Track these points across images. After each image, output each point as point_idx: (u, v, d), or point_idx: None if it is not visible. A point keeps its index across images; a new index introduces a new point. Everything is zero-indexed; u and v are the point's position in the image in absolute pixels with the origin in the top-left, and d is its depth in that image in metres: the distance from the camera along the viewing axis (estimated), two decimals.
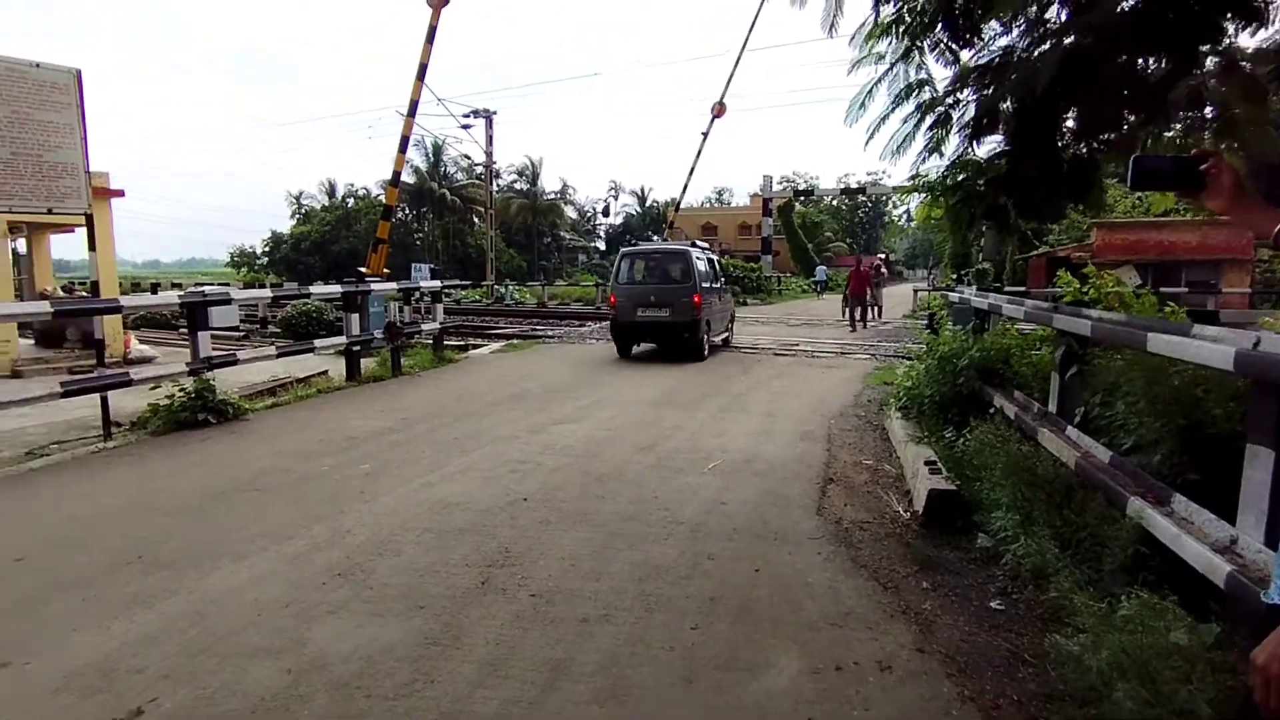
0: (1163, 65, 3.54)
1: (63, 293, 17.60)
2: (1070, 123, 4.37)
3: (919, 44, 4.38)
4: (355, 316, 9.15)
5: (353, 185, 58.68)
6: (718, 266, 13.69)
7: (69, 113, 6.25)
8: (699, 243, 13.31)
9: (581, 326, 18.24)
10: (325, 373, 10.51)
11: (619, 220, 72.70)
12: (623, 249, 13.48)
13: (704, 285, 11.50)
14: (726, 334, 13.50)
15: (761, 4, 26.93)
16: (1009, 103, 4.26)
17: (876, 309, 20.42)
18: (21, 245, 16.45)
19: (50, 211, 6.33)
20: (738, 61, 27.94)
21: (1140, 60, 3.57)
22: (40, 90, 6.06)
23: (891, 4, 4.29)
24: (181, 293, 7.50)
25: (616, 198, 72.02)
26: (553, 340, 14.74)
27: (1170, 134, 4.07)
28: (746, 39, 27.84)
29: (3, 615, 3.01)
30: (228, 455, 5.58)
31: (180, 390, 6.52)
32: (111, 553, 3.65)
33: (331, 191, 57.39)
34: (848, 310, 18.15)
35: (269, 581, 3.33)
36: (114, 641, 2.80)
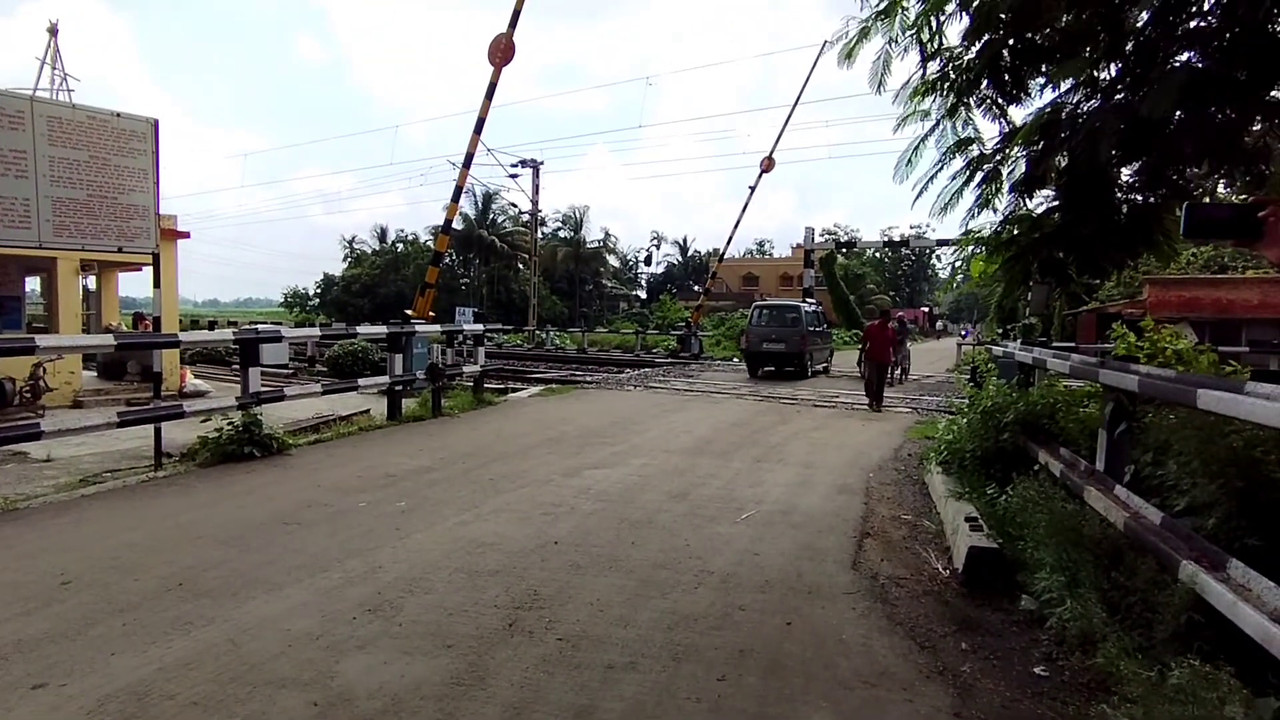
0: (1228, 117, 3.51)
1: (131, 323, 18.42)
2: (1127, 175, 4.31)
3: (965, 100, 4.40)
4: (399, 357, 9.37)
5: (403, 230, 60.65)
6: (820, 316, 19.37)
7: (144, 158, 6.65)
8: (808, 300, 19.96)
9: (620, 373, 18.32)
10: (367, 411, 10.74)
11: (660, 269, 73.55)
12: (755, 303, 20.73)
13: (809, 328, 17.16)
14: (826, 364, 19.09)
15: (812, 69, 27.45)
16: (1062, 158, 4.24)
17: (901, 371, 17.77)
18: (91, 282, 17.33)
19: (121, 250, 6.70)
20: (787, 120, 28.13)
21: (1203, 113, 3.53)
22: (120, 138, 6.48)
23: (938, 61, 4.34)
24: (236, 329, 7.80)
25: (659, 247, 73.05)
26: (591, 386, 14.83)
27: (1238, 184, 4.00)
28: (798, 98, 28.03)
29: (46, 637, 3.10)
30: (270, 488, 5.70)
31: (229, 423, 6.72)
32: (155, 579, 3.74)
33: (382, 236, 59.41)
34: (864, 381, 12.76)
35: (302, 613, 3.37)
36: (150, 666, 2.85)
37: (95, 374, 15.49)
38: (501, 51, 17.94)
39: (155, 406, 6.64)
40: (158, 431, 6.72)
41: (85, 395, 13.27)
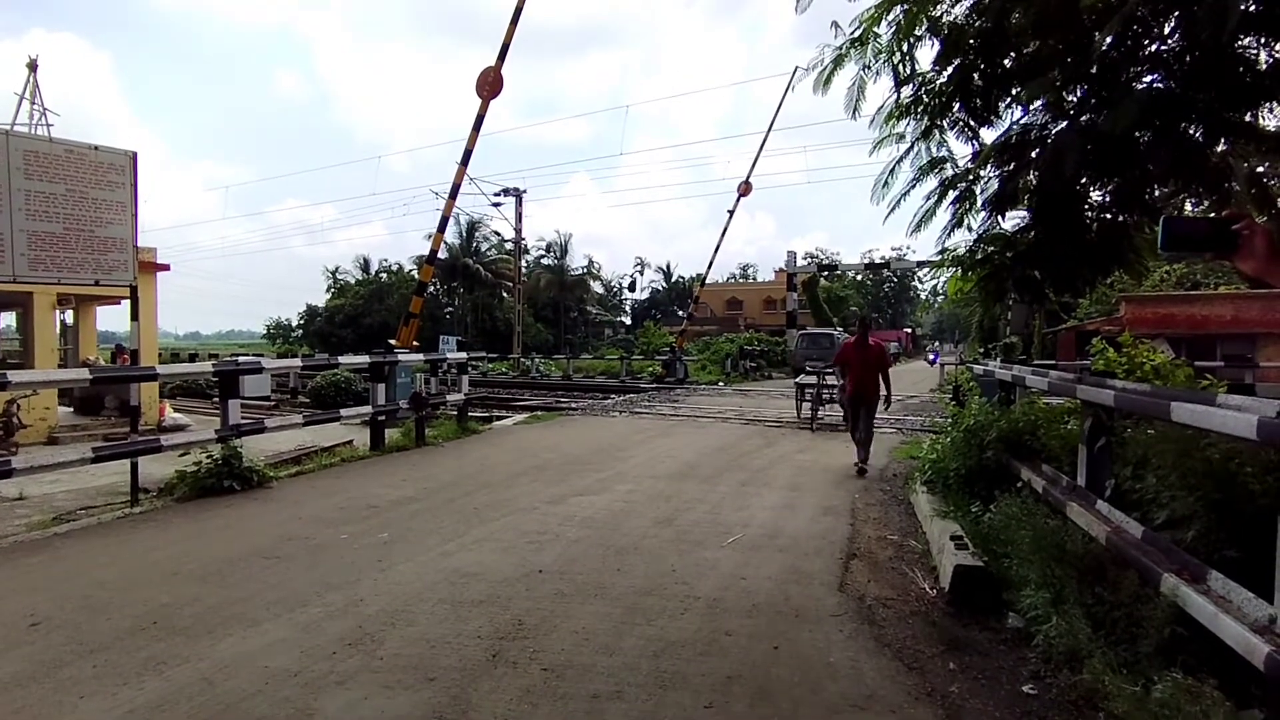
0: (1193, 137, 3.60)
1: (109, 357, 18.16)
2: (1097, 195, 4.39)
3: (939, 123, 4.47)
4: (381, 387, 9.29)
5: (386, 260, 60.38)
6: None
7: (122, 191, 6.62)
8: (839, 329, 27.13)
9: (605, 399, 18.27)
10: (350, 442, 10.62)
11: (644, 295, 73.77)
12: (800, 332, 29.39)
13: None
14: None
15: (783, 97, 28.08)
16: (1031, 177, 4.32)
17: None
18: (69, 316, 17.12)
19: (98, 283, 6.63)
20: (761, 147, 28.84)
21: (1169, 134, 3.61)
22: (98, 171, 6.45)
23: (911, 86, 4.42)
24: (215, 361, 7.72)
25: (642, 273, 73.35)
26: (576, 412, 14.77)
27: (1204, 203, 4.08)
28: (770, 127, 28.49)
29: (13, 681, 3.00)
30: (249, 522, 5.61)
31: (208, 457, 6.61)
32: (128, 618, 3.65)
33: (366, 267, 59.12)
34: (848, 423, 8.85)
35: (280, 649, 3.29)
36: (120, 709, 2.77)
37: (72, 409, 15.23)
38: (490, 84, 18.09)
39: (131, 441, 6.53)
40: (134, 466, 6.60)
41: (61, 431, 13.04)
